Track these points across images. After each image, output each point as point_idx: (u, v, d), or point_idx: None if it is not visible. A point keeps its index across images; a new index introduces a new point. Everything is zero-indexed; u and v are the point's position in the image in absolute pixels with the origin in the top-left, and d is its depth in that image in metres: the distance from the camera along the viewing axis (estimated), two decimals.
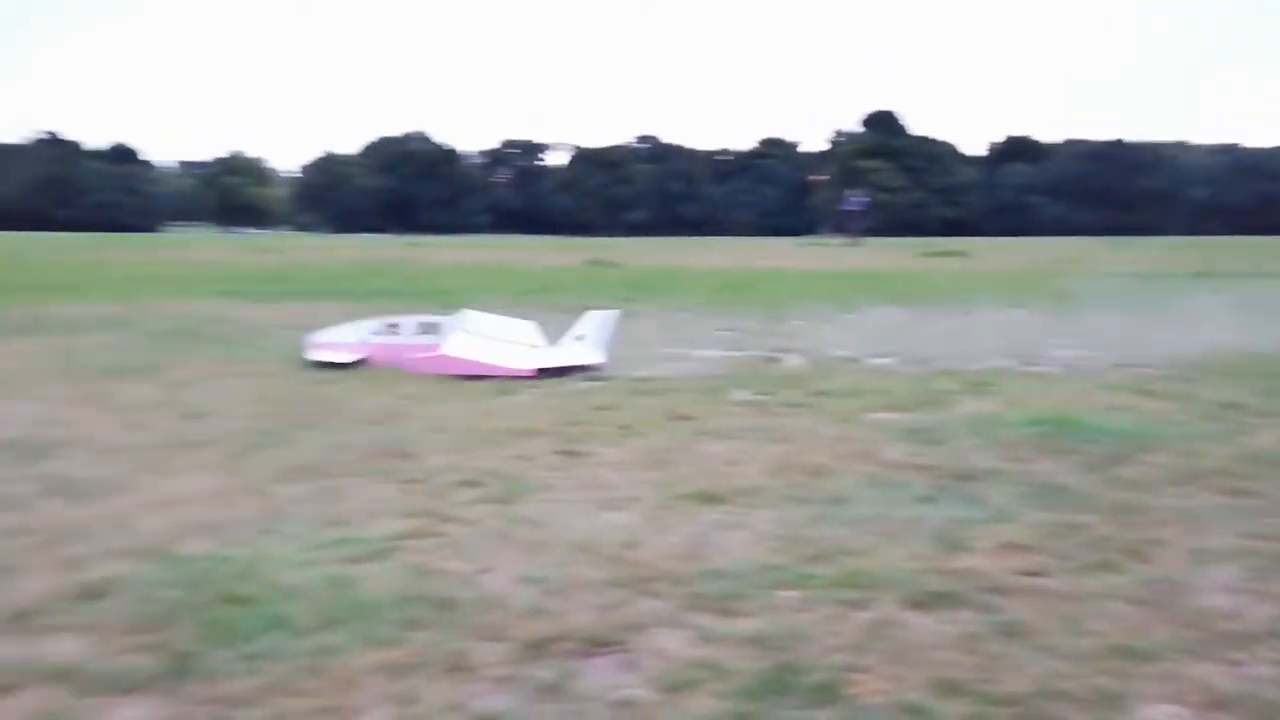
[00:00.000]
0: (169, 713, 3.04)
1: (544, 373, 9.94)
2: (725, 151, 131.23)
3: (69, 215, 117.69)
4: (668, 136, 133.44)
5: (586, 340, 10.82)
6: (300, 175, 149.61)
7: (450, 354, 10.08)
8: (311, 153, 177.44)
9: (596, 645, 3.58)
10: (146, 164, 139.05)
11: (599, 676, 3.36)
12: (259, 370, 9.76)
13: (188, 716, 3.03)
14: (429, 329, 10.58)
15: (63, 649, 3.44)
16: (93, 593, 3.90)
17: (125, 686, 3.18)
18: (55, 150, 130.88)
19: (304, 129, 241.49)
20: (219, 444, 6.55)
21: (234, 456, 6.22)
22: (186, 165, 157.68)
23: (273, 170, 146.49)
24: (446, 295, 20.20)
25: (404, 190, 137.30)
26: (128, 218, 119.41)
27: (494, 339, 10.59)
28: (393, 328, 10.68)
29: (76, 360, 10.16)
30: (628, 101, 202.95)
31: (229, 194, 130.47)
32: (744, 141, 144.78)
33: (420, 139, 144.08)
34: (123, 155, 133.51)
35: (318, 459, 6.17)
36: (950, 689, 3.19)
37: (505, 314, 11.56)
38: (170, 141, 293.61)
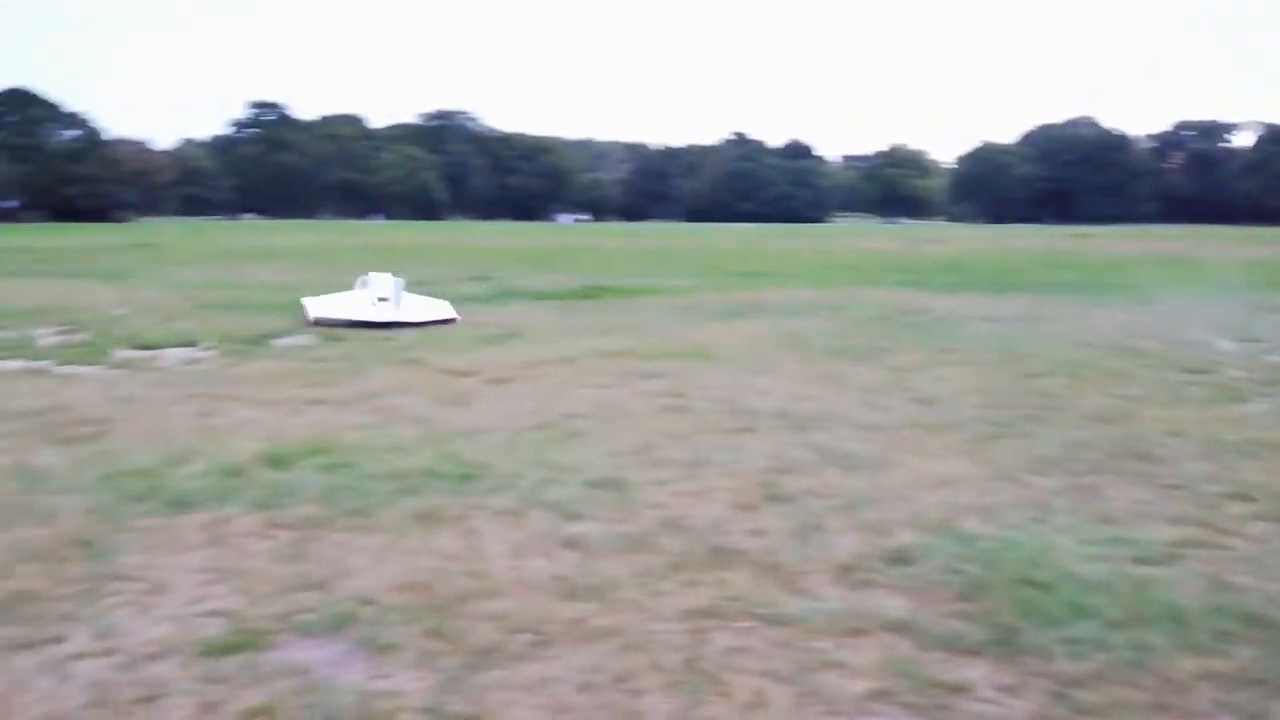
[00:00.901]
0: (1006, 680, 3.28)
1: (318, 322, 12.55)
2: None
3: (748, 208, 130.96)
4: None
5: (389, 301, 13.03)
6: (955, 166, 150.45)
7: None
8: (968, 143, 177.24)
9: None
10: (818, 159, 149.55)
11: None
12: (967, 360, 10.02)
13: (1024, 686, 3.24)
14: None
15: (889, 604, 3.87)
16: (900, 557, 4.32)
17: (958, 647, 3.49)
18: (740, 149, 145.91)
19: (963, 119, 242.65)
20: (957, 430, 6.87)
21: (976, 443, 6.48)
22: (849, 159, 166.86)
23: (933, 162, 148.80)
24: (1130, 290, 19.03)
25: (1064, 178, 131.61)
26: (799, 209, 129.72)
27: (370, 297, 13.14)
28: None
29: (801, 342, 11.30)
30: None
31: (890, 185, 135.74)
32: None
33: (1087, 124, 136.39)
34: (797, 152, 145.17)
35: (1060, 454, 6.19)
36: None
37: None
38: (837, 137, 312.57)
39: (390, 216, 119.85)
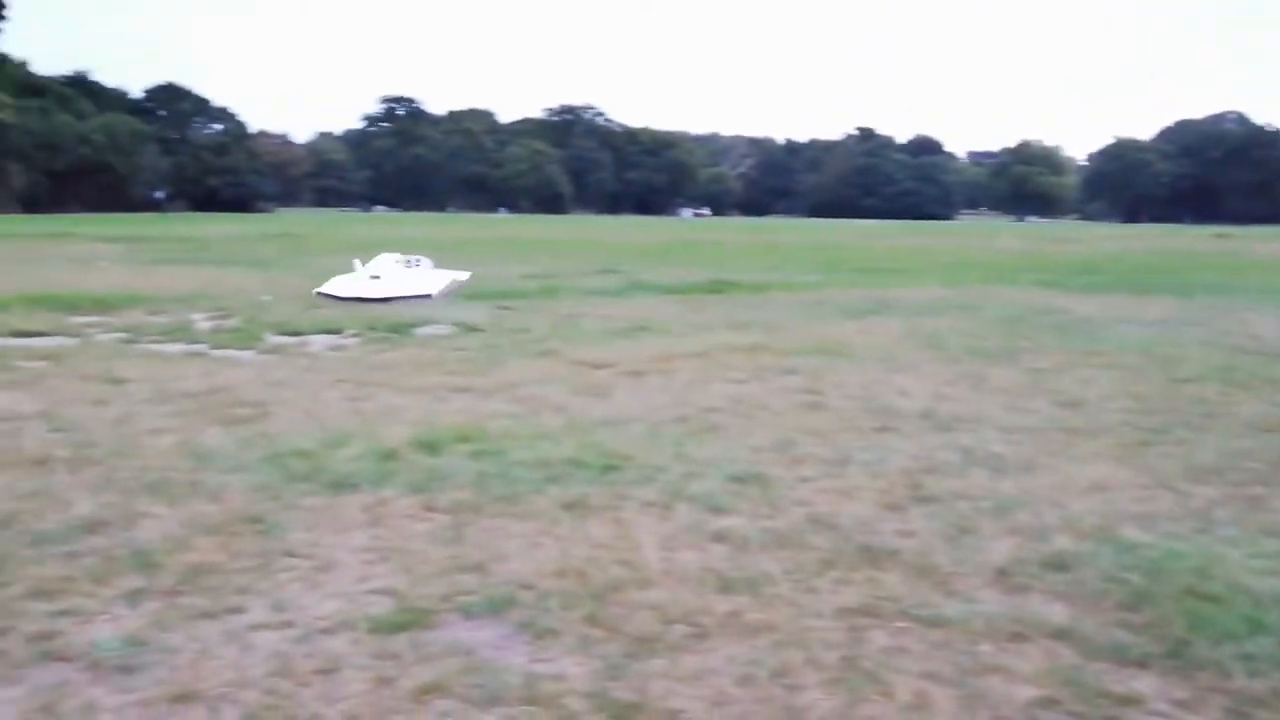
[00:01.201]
0: (1180, 694, 3.18)
1: (322, 295, 15.03)
2: None
3: (872, 204, 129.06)
4: None
5: (381, 279, 15.79)
6: (1087, 163, 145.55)
7: None
8: (1102, 139, 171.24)
9: None
10: (946, 155, 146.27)
11: None
12: (1112, 363, 9.69)
13: (1199, 702, 3.14)
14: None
15: (1049, 610, 3.78)
16: (1057, 563, 4.22)
17: (1125, 658, 3.40)
18: (865, 144, 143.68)
19: (1096, 115, 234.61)
20: (1107, 435, 6.66)
21: (1128, 449, 6.28)
22: (974, 155, 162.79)
23: (1067, 158, 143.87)
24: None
25: (1206, 176, 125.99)
26: (925, 206, 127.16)
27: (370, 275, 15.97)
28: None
29: (936, 340, 11.09)
30: None
31: (1020, 182, 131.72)
32: None
33: (1234, 119, 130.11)
34: (923, 147, 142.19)
35: (1219, 462, 5.95)
36: None
37: None
38: (963, 132, 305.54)
39: (512, 210, 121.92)
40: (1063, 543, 4.47)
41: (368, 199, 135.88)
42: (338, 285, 15.60)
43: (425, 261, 17.56)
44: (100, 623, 3.63)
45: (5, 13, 75.26)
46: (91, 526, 4.57)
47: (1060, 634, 3.58)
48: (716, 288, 17.77)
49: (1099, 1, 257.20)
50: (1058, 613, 3.76)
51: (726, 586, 3.97)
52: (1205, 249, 39.85)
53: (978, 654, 3.44)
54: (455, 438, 6.20)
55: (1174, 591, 3.90)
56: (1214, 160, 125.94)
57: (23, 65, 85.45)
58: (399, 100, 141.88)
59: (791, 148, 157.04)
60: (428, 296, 15.12)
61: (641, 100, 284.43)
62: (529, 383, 8.24)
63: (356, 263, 16.48)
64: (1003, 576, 4.12)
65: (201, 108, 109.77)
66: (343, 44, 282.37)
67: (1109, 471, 5.73)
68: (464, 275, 17.58)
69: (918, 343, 10.93)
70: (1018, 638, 3.57)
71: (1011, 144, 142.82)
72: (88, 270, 19.96)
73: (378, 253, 18.12)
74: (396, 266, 16.74)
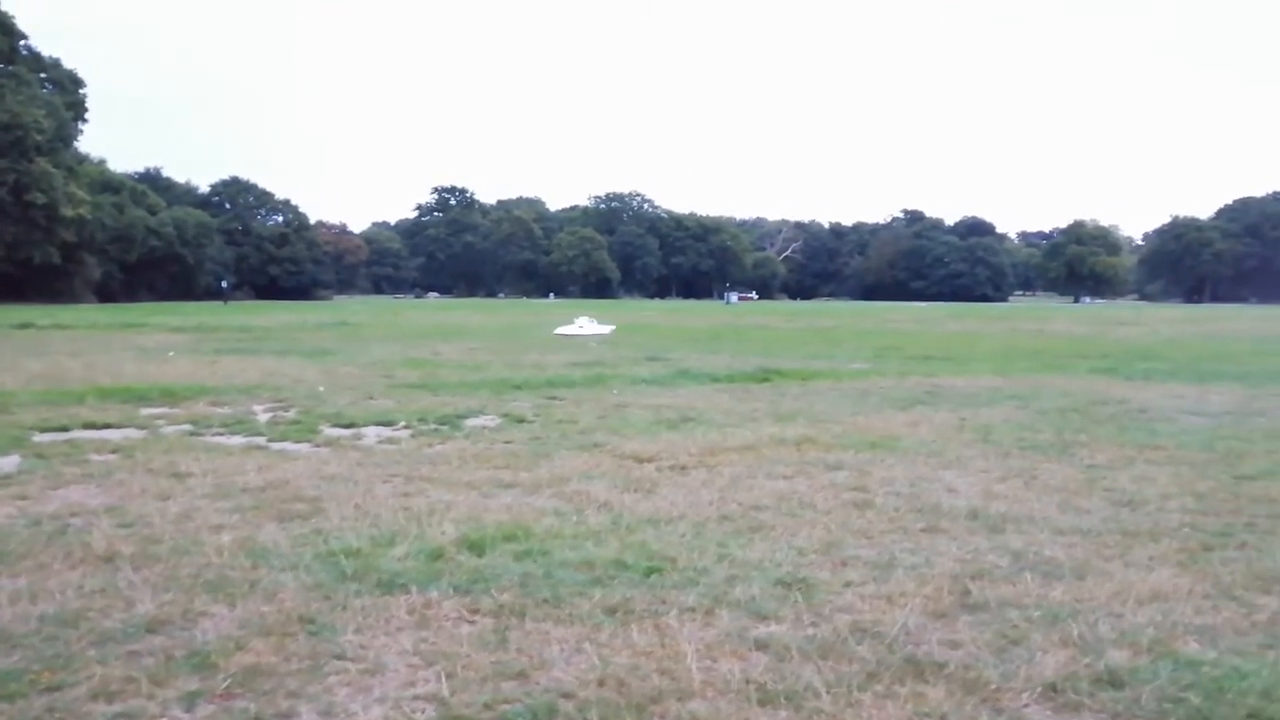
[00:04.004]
0: None
1: (557, 334, 31.48)
2: None
3: (921, 286, 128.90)
4: None
5: (583, 327, 32.79)
6: (1143, 243, 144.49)
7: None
8: (1158, 218, 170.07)
9: None
10: (998, 236, 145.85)
11: None
12: (1173, 458, 9.50)
13: None
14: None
15: None
16: (1111, 680, 4.13)
17: None
18: (913, 227, 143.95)
19: (1151, 193, 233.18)
20: (1166, 537, 6.51)
21: (1189, 553, 6.12)
22: (1025, 236, 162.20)
23: (1123, 238, 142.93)
24: None
25: (1271, 255, 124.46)
26: (975, 288, 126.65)
27: (575, 325, 33.81)
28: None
29: (987, 434, 10.98)
30: None
31: (1074, 263, 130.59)
32: None
33: None
34: (973, 228, 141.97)
35: None
36: None
37: None
38: (1014, 212, 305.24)
39: (559, 294, 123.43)
40: (1118, 657, 4.38)
41: (421, 285, 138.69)
42: (564, 329, 31.47)
43: (591, 319, 34.51)
44: None
45: (86, 114, 78.81)
46: (152, 626, 4.66)
47: None
48: (763, 376, 17.76)
49: (1148, 77, 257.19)
50: None
51: (767, 699, 3.94)
52: (1273, 331, 39.10)
53: None
54: (501, 537, 6.24)
55: (1237, 715, 3.80)
56: (1279, 238, 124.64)
57: (101, 164, 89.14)
58: (451, 190, 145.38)
59: (837, 231, 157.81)
60: (606, 334, 31.27)
61: (687, 186, 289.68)
62: (574, 477, 8.27)
63: (581, 319, 34.35)
64: (1053, 693, 4.04)
65: (264, 200, 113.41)
66: (398, 137, 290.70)
67: (1168, 578, 5.60)
68: (610, 328, 33.20)
69: (968, 436, 10.83)
70: None
71: (1064, 224, 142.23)
72: (157, 361, 20.46)
73: (431, 340, 20.30)
74: (591, 320, 33.74)
